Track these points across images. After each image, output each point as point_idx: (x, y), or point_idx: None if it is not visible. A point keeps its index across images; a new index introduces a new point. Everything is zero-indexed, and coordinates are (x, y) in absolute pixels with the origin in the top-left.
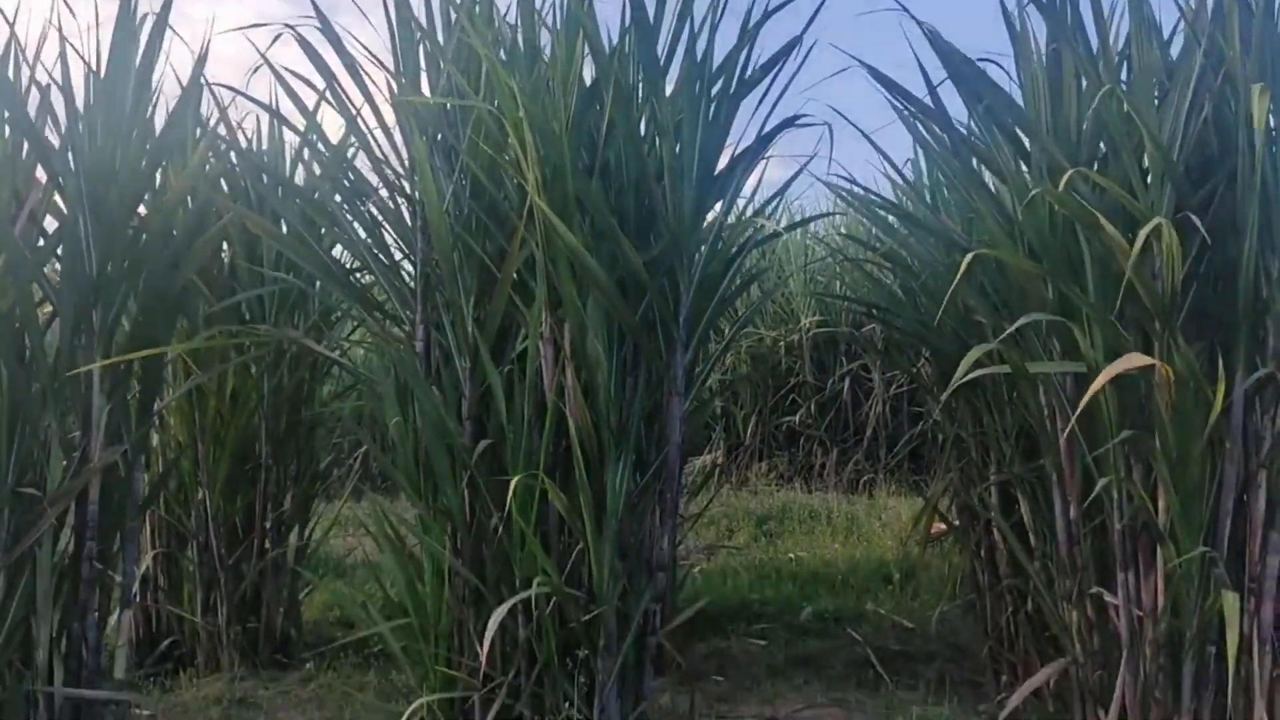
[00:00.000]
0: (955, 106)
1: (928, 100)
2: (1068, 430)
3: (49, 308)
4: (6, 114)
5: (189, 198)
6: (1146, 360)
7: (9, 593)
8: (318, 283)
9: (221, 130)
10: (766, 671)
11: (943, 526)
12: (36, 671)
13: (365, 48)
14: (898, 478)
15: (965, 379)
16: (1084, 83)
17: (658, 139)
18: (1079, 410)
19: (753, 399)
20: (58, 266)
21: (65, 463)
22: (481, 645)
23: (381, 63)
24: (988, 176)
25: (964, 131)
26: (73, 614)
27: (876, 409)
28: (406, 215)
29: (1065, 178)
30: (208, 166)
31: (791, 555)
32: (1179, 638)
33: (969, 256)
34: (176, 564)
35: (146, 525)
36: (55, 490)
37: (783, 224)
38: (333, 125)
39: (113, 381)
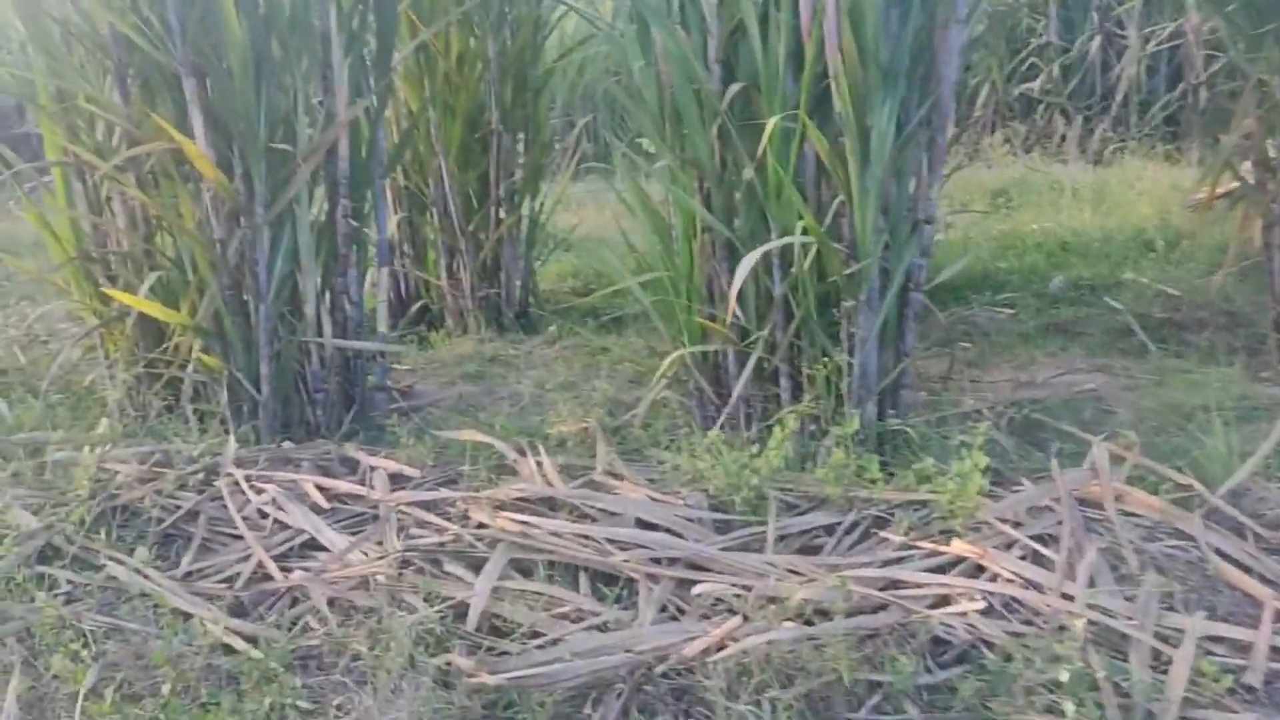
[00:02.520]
0: None
1: None
2: None
3: None
4: None
5: None
6: None
7: (274, 248)
8: None
9: None
10: (1017, 339)
11: (1217, 191)
12: (306, 323)
13: None
14: (1149, 147)
15: None
16: None
17: None
18: None
19: (986, 64)
20: None
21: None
22: (731, 293)
23: None
24: None
25: None
26: (334, 270)
27: (1130, 70)
28: None
29: None
30: None
31: (1035, 226)
32: None
33: None
34: (418, 231)
35: (389, 192)
36: (306, 146)
37: None
38: None
39: (348, 36)
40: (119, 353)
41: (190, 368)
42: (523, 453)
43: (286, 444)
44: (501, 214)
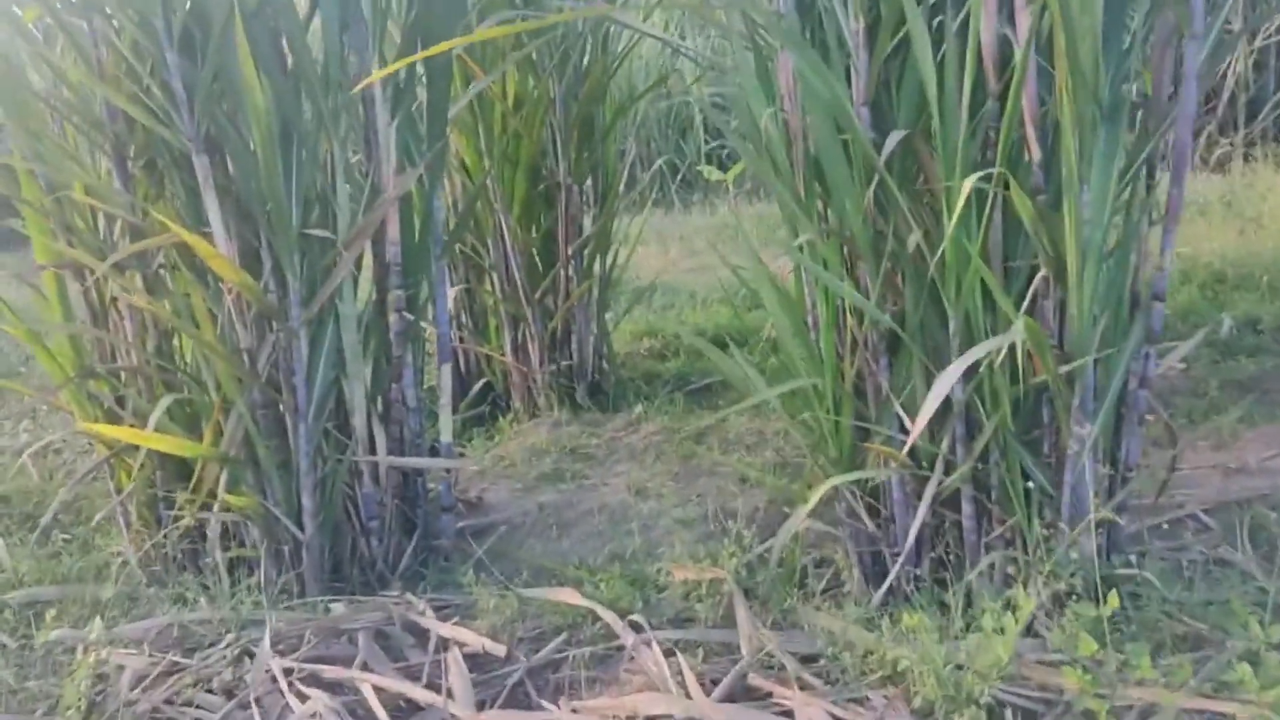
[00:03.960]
0: None
1: None
2: None
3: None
4: None
5: None
6: None
7: (314, 354)
8: None
9: None
10: (1201, 403)
11: None
12: (356, 440)
13: None
14: (1261, 150)
15: None
16: None
17: None
18: None
19: None
20: None
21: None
22: (916, 415)
23: None
24: None
25: None
26: (385, 373)
27: (1236, 67)
28: None
29: None
30: None
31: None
32: None
33: None
34: (477, 299)
35: (448, 272)
36: (349, 230)
37: None
38: None
39: (394, 91)
40: (133, 486)
41: (217, 506)
42: (637, 627)
43: (336, 606)
44: (570, 275)
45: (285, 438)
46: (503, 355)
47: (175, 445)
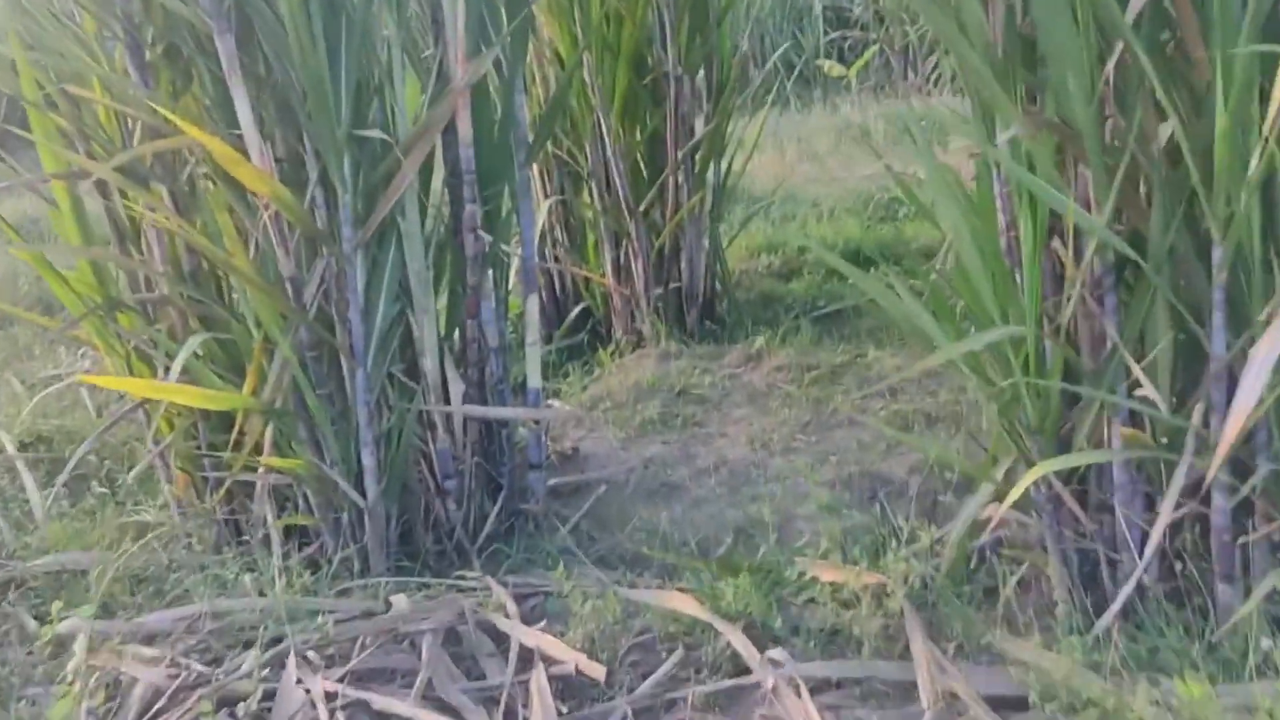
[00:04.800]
0: None
1: None
2: None
3: None
4: None
5: None
6: None
7: (372, 284)
8: None
9: None
10: None
11: None
12: (427, 385)
13: None
14: None
15: None
16: None
17: None
18: None
19: None
20: None
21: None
22: (1156, 373)
23: None
24: None
25: None
26: (461, 305)
27: None
28: None
29: None
30: None
31: None
32: None
33: None
34: (573, 211)
35: (534, 180)
36: (412, 129)
37: None
38: None
39: None
40: (171, 437)
41: (262, 467)
42: (775, 661)
43: (399, 600)
44: (679, 183)
45: (341, 384)
46: (602, 276)
47: (202, 397)
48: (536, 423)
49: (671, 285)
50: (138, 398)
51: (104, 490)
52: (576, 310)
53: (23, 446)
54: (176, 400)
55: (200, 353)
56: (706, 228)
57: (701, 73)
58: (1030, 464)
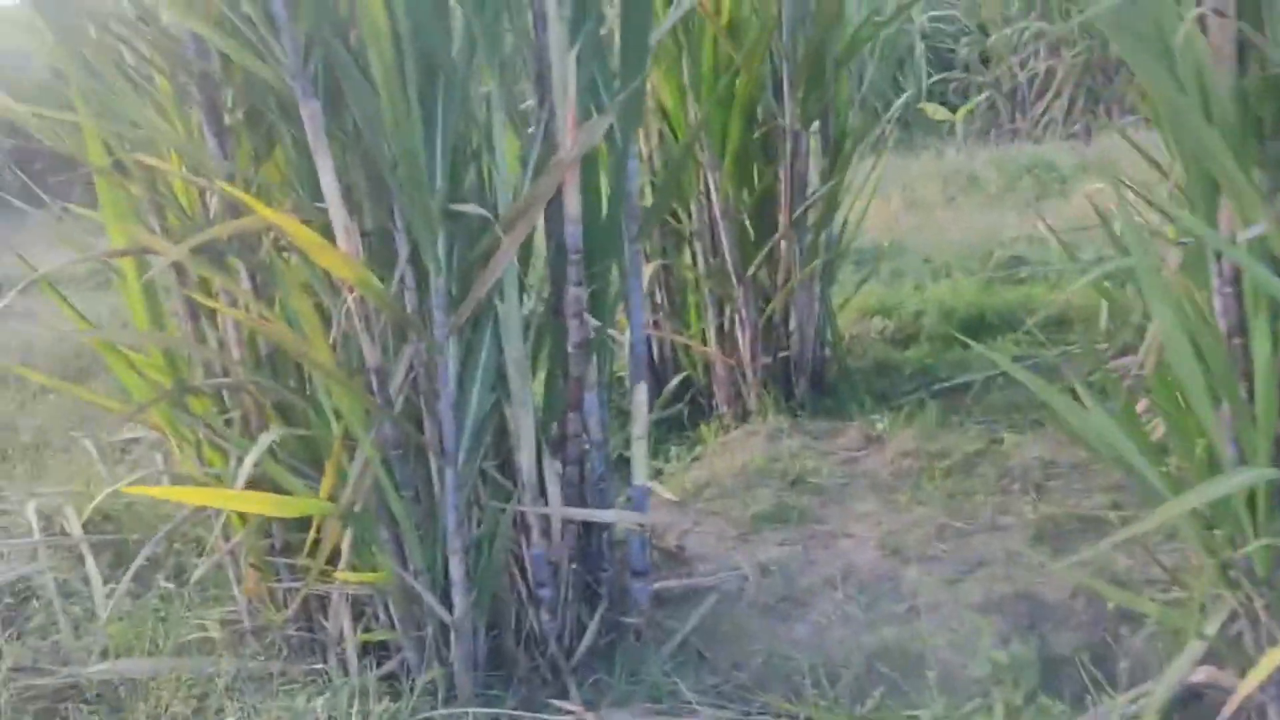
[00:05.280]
0: None
1: None
2: None
3: None
4: None
5: None
6: None
7: (465, 372)
8: None
9: None
10: None
11: None
12: (523, 484)
13: None
14: None
15: None
16: None
17: None
18: None
19: None
20: None
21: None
22: None
23: None
24: None
25: None
26: (560, 395)
27: None
28: None
29: None
30: None
31: None
32: None
33: None
34: (673, 274)
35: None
36: (512, 204)
37: None
38: None
39: (576, 6)
40: (243, 535)
41: (339, 577)
42: None
43: None
44: (793, 243)
45: (428, 483)
46: (705, 344)
47: (272, 504)
48: (642, 525)
49: (780, 354)
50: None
51: (169, 585)
52: (676, 380)
53: (89, 525)
54: (241, 510)
55: (275, 445)
56: (818, 291)
57: (815, 124)
58: (1253, 617)
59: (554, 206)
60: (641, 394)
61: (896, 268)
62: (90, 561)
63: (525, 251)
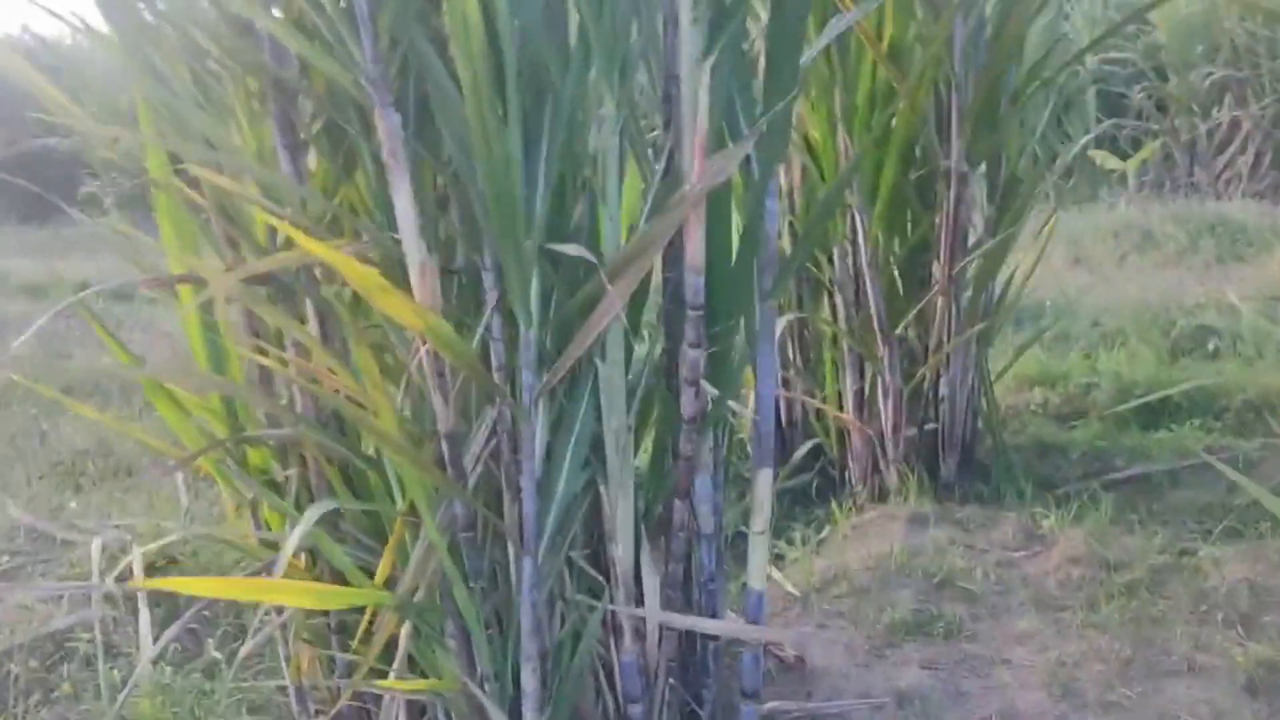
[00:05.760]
0: None
1: None
2: None
3: None
4: None
5: None
6: None
7: (555, 445)
8: None
9: None
10: None
11: None
12: (617, 581)
13: None
14: None
15: None
16: None
17: None
18: None
19: None
20: None
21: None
22: None
23: None
24: None
25: None
26: (667, 477)
27: None
28: None
29: None
30: None
31: None
32: None
33: None
34: (808, 328)
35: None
36: (623, 247)
37: None
38: None
39: (714, 12)
40: (290, 615)
41: (393, 674)
42: None
43: None
44: (951, 301)
45: (504, 572)
46: (841, 410)
47: (315, 596)
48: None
49: (927, 426)
50: (258, 562)
51: (219, 654)
52: (805, 448)
53: (151, 569)
54: (276, 602)
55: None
56: (974, 356)
57: (980, 167)
58: None
59: (673, 251)
60: (765, 482)
61: (1061, 330)
62: (145, 617)
63: (636, 303)
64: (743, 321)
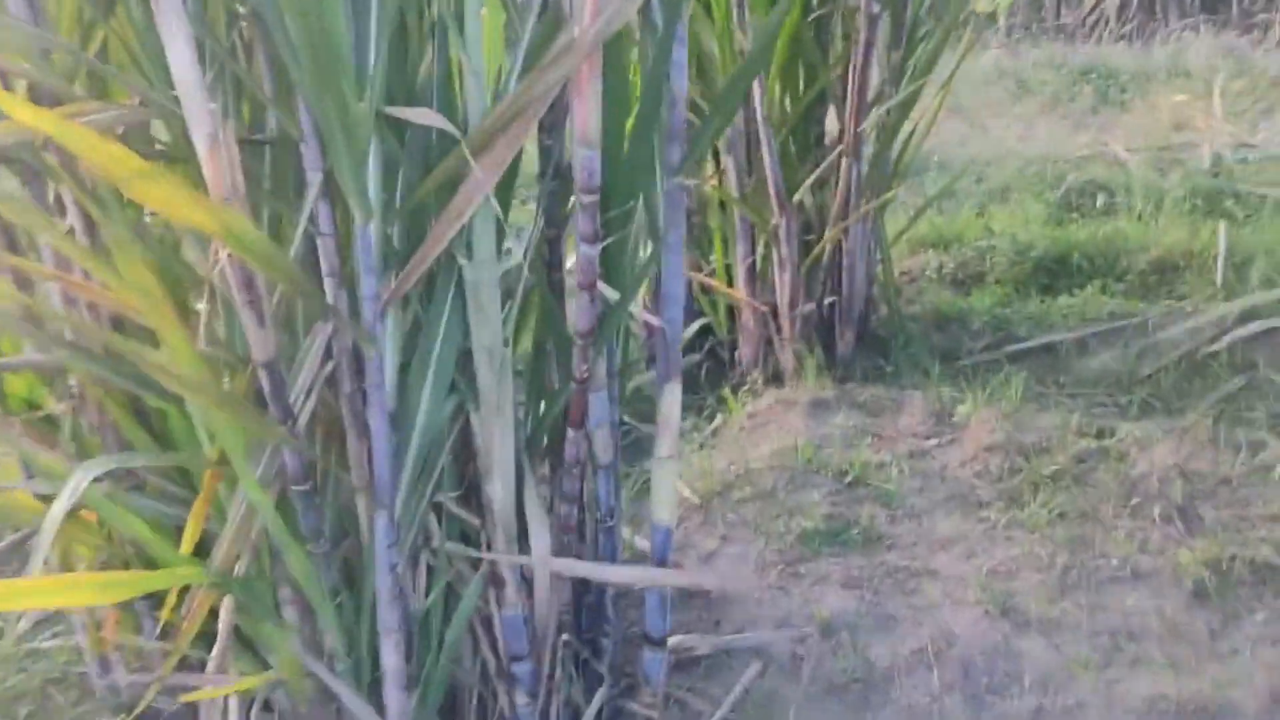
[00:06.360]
0: None
1: None
2: None
3: None
4: None
5: None
6: None
7: (411, 367)
8: None
9: None
10: None
11: None
12: (494, 525)
13: None
14: None
15: None
16: None
17: None
18: None
19: None
20: None
21: None
22: None
23: None
24: None
25: None
26: (554, 401)
27: None
28: None
29: None
30: None
31: None
32: None
33: None
34: (693, 195)
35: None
36: (489, 112)
37: None
38: None
39: None
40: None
41: (212, 663)
42: None
43: None
44: (852, 163)
45: (354, 527)
46: (730, 285)
47: (89, 590)
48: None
49: (827, 300)
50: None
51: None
52: (694, 327)
53: None
54: (40, 607)
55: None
56: (873, 225)
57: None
58: None
59: (556, 118)
60: (673, 398)
61: (945, 186)
62: None
63: (505, 182)
64: (642, 205)
